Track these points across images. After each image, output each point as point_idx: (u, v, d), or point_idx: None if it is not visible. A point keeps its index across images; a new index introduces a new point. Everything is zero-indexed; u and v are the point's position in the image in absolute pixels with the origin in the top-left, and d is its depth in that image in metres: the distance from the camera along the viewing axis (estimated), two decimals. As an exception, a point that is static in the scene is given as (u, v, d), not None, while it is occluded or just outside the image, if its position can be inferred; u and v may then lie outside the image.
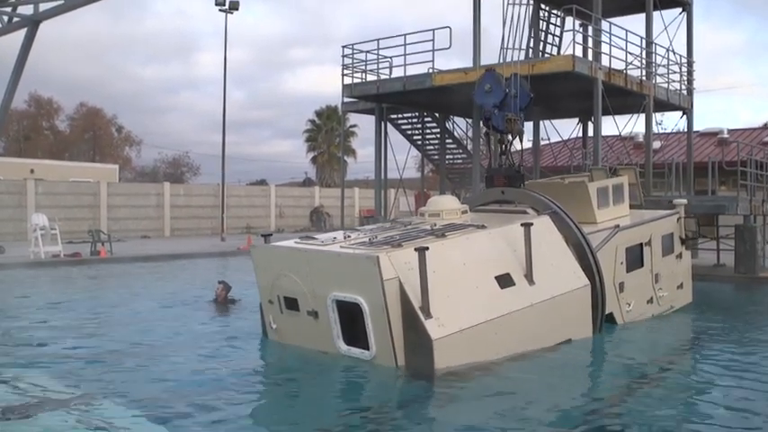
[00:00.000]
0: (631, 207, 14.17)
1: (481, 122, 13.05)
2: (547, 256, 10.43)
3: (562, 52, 23.13)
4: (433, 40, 21.07)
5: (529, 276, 9.98)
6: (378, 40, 23.24)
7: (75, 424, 6.93)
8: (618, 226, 12.46)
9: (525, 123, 13.88)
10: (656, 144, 27.48)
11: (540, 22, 23.87)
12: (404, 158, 28.79)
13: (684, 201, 15.14)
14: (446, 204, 11.57)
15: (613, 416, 7.50)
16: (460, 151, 27.92)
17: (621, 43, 20.51)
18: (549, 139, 28.08)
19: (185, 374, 9.01)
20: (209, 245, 30.92)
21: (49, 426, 6.89)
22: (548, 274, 10.23)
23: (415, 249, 8.63)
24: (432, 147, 28.27)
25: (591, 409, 7.78)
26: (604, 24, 20.54)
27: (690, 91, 24.96)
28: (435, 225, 10.57)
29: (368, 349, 8.99)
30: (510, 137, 12.57)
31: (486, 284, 9.56)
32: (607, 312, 11.56)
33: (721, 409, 7.60)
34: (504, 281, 9.76)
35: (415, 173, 41.53)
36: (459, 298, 9.09)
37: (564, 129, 65.31)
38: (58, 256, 23.98)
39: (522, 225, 10.06)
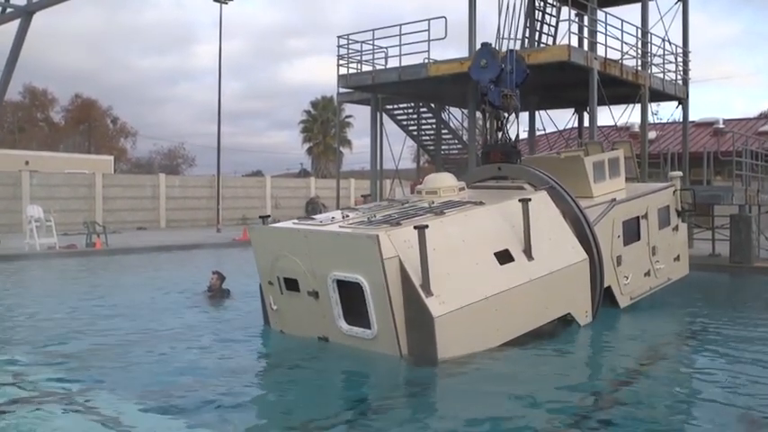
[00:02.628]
0: (627, 180, 14.18)
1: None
2: (545, 232, 10.44)
3: (558, 42, 23.05)
4: (428, 30, 21.01)
5: (527, 252, 9.99)
6: (373, 30, 23.15)
7: (75, 416, 6.91)
8: (614, 200, 12.47)
9: (521, 113, 13.83)
10: (652, 134, 27.48)
11: (536, 11, 23.79)
12: (399, 149, 28.78)
13: (680, 173, 15.14)
14: (443, 182, 11.55)
15: (611, 406, 7.52)
16: (456, 141, 27.87)
17: (617, 33, 20.49)
18: (544, 129, 28.05)
19: (182, 365, 8.97)
20: (204, 236, 30.89)
21: (49, 419, 6.85)
22: (546, 250, 10.25)
23: (415, 227, 8.66)
24: (427, 137, 28.22)
25: (587, 401, 7.80)
26: (600, 14, 20.50)
27: (685, 81, 24.94)
28: (433, 203, 10.59)
29: (369, 328, 9.00)
30: (506, 113, 12.54)
31: (485, 261, 9.58)
32: (606, 286, 11.59)
33: (714, 401, 7.62)
34: (504, 257, 9.78)
35: (410, 163, 41.54)
36: (459, 275, 9.11)
37: (560, 119, 65.23)
38: (54, 248, 23.91)
39: (519, 201, 10.06)
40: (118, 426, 6.64)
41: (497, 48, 14.68)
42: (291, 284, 9.96)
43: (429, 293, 8.61)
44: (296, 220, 10.76)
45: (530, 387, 7.98)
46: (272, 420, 7.25)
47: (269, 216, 11.08)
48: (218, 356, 9.52)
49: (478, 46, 20.14)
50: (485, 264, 9.56)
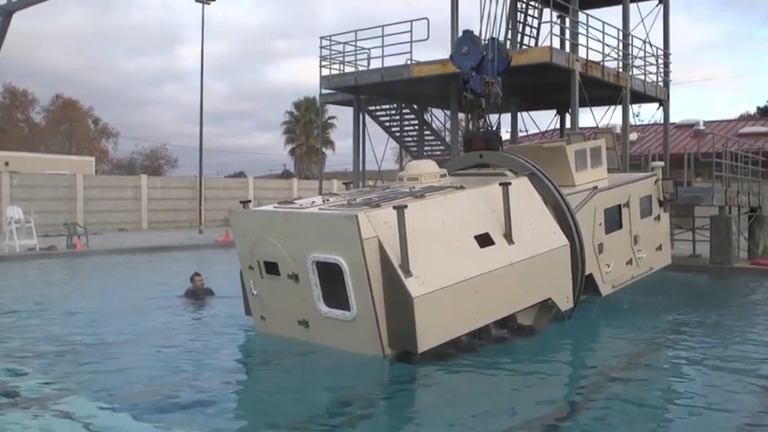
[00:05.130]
0: (609, 171, 14.22)
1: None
2: (526, 217, 10.47)
3: (540, 44, 23.13)
4: (410, 31, 21.00)
5: (508, 236, 10.00)
6: (356, 31, 23.15)
7: (49, 420, 6.84)
8: (596, 187, 12.52)
9: (503, 115, 13.87)
10: (633, 135, 27.63)
11: (518, 13, 23.87)
12: (382, 150, 28.80)
13: (661, 163, 15.18)
14: (425, 168, 11.59)
15: (595, 407, 7.55)
16: (439, 143, 27.89)
17: (598, 35, 20.60)
18: (527, 130, 28.13)
19: (165, 367, 8.96)
20: (186, 237, 30.76)
21: (23, 423, 6.78)
22: (527, 234, 10.26)
23: (394, 207, 8.68)
24: (410, 138, 28.21)
25: (564, 405, 7.84)
26: (581, 16, 20.60)
27: (666, 83, 25.08)
28: (414, 188, 10.62)
29: (348, 310, 8.99)
30: (487, 100, 12.54)
31: (465, 243, 9.60)
32: (587, 273, 11.61)
33: (694, 400, 7.67)
34: (484, 240, 9.80)
35: (393, 164, 41.48)
36: (438, 257, 9.13)
37: (542, 120, 65.49)
38: (34, 250, 23.72)
39: (500, 185, 10.08)
40: (96, 428, 6.59)
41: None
42: (271, 268, 9.97)
43: (408, 274, 8.62)
44: (276, 204, 10.77)
45: (506, 394, 7.98)
46: (251, 423, 7.24)
47: (249, 201, 11.12)
48: (200, 358, 9.50)
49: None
50: (465, 246, 9.57)
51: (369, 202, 9.55)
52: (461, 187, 10.47)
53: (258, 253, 10.09)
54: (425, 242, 9.03)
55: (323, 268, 9.17)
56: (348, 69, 23.51)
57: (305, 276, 9.38)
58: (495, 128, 12.76)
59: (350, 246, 8.67)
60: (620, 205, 13.00)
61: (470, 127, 12.95)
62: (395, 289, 8.66)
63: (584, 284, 11.56)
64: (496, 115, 12.85)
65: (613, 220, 12.79)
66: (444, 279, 8.96)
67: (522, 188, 10.93)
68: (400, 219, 8.54)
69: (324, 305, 9.32)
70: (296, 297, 9.68)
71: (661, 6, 24.67)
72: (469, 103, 12.62)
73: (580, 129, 21.33)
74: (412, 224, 8.74)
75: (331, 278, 9.11)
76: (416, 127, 27.55)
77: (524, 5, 24.01)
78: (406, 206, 8.72)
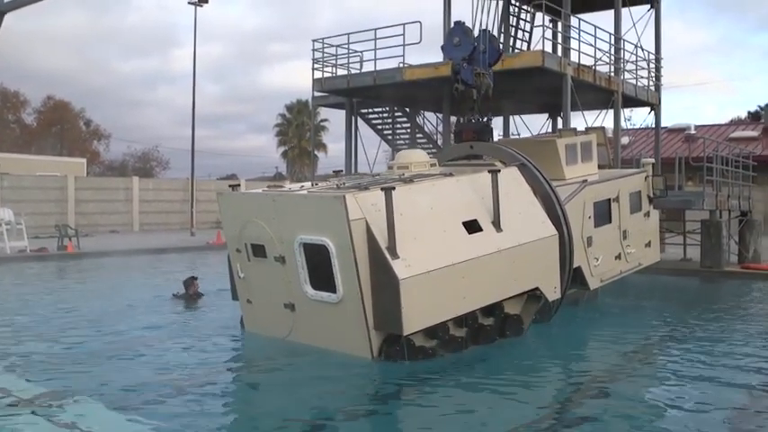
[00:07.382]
0: (600, 167, 14.26)
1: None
2: (515, 206, 10.48)
3: (532, 48, 23.20)
4: (403, 34, 21.00)
5: (496, 223, 10.02)
6: (348, 34, 23.15)
7: (43, 423, 6.80)
8: (586, 181, 12.57)
9: (494, 118, 13.90)
10: (625, 140, 27.70)
11: (511, 17, 23.94)
12: (374, 153, 28.78)
13: (652, 160, 15.23)
14: (414, 157, 11.63)
15: (583, 414, 7.55)
16: (431, 146, 27.88)
17: (591, 39, 20.66)
18: (518, 134, 28.17)
19: (158, 369, 8.94)
20: (178, 240, 30.68)
21: (17, 426, 6.74)
22: (515, 223, 10.28)
23: (382, 189, 8.69)
24: (402, 141, 28.20)
25: (555, 412, 7.83)
26: (574, 20, 20.66)
27: (658, 87, 25.17)
28: (403, 175, 10.64)
29: (334, 292, 8.99)
30: (478, 91, 12.57)
31: (453, 229, 9.61)
32: (575, 266, 11.63)
33: (683, 406, 7.70)
34: (472, 226, 9.81)
35: (385, 168, 41.53)
36: (426, 241, 9.13)
37: (534, 124, 65.60)
38: (24, 252, 23.64)
39: (489, 172, 10.10)
40: (89, 429, 6.57)
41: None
42: (259, 251, 9.97)
43: (395, 256, 8.63)
44: (265, 188, 10.78)
45: (492, 401, 7.92)
46: (244, 424, 7.26)
47: (239, 184, 11.15)
48: (193, 359, 9.50)
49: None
50: (453, 232, 9.58)
51: (357, 186, 9.58)
52: (450, 174, 10.49)
53: (246, 236, 10.10)
54: (413, 226, 9.05)
55: (310, 252, 9.17)
56: (341, 72, 23.49)
57: (292, 258, 9.37)
58: (486, 119, 12.79)
59: (337, 227, 8.68)
60: (609, 199, 13.07)
61: (461, 119, 12.97)
62: (381, 271, 8.66)
63: (573, 277, 11.59)
64: (488, 115, 12.87)
65: (603, 214, 12.85)
66: (431, 263, 8.95)
67: (511, 177, 10.95)
68: (388, 200, 8.55)
69: (310, 288, 9.32)
70: (282, 280, 9.69)
71: (653, 11, 24.78)
72: (460, 94, 12.65)
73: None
74: (400, 208, 8.76)
75: (318, 262, 9.10)
76: (409, 130, 27.55)
77: (517, 9, 24.08)
78: (393, 187, 8.73)
